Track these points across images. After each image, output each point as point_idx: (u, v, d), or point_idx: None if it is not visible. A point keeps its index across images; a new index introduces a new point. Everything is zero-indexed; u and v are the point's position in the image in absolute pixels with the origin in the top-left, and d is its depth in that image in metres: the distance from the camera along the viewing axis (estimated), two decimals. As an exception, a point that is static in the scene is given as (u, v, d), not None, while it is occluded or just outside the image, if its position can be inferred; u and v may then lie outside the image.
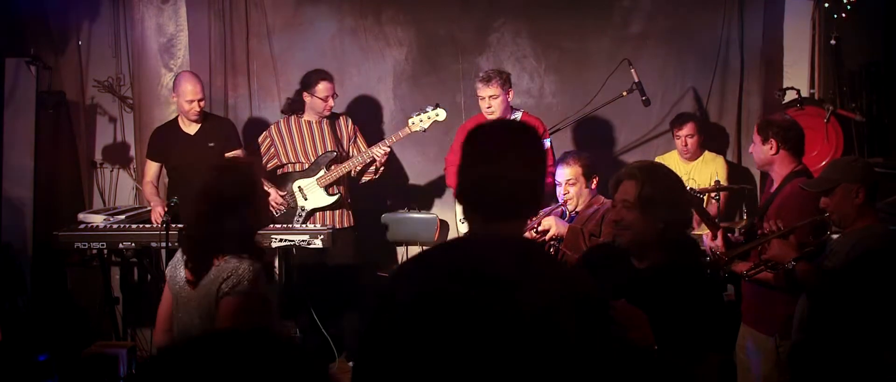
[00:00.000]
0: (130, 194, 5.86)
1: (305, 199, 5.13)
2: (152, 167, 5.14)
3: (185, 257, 2.86)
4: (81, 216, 5.00)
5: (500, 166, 1.76)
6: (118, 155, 5.88)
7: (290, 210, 5.14)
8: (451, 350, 1.66)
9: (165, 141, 5.11)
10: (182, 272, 2.88)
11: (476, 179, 1.78)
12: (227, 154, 5.00)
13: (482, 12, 5.82)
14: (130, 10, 5.74)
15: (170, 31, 5.79)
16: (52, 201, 5.55)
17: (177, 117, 5.15)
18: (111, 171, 5.88)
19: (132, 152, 5.88)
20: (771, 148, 3.67)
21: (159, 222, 4.70)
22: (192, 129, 5.08)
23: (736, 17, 5.69)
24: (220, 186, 2.79)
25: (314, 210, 5.14)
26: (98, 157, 5.87)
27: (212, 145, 5.03)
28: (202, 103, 5.00)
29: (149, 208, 5.43)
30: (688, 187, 5.05)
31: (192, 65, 5.72)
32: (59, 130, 5.70)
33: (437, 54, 5.86)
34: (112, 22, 5.75)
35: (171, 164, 5.09)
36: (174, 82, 5.12)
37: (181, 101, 4.99)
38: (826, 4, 5.39)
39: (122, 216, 5.02)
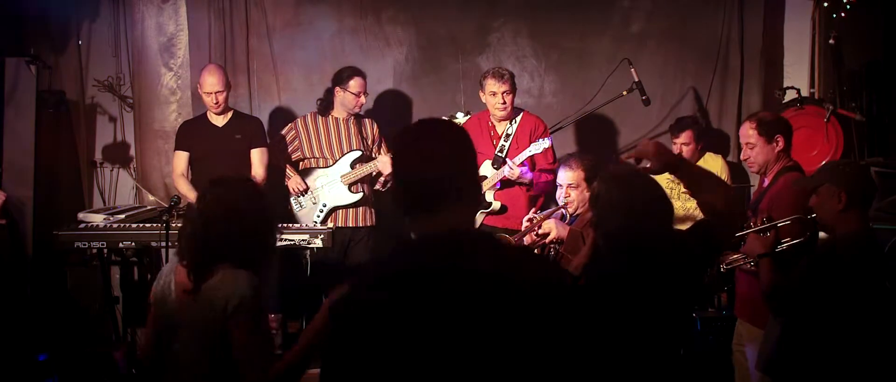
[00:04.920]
0: (130, 194, 5.87)
1: (327, 195, 5.13)
2: (182, 157, 5.08)
3: (183, 260, 2.69)
4: (81, 216, 4.99)
5: (427, 157, 1.85)
6: (118, 155, 5.89)
7: (311, 206, 5.14)
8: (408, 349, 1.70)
9: (192, 131, 5.11)
10: (173, 286, 2.72)
11: (410, 175, 1.87)
12: (253, 150, 5.02)
13: (482, 12, 5.82)
14: (130, 9, 5.74)
15: (170, 30, 5.79)
16: (52, 201, 5.55)
17: (206, 112, 5.15)
18: (111, 170, 5.88)
19: (132, 152, 5.89)
20: (777, 145, 3.68)
21: None
22: (219, 121, 5.09)
23: (736, 17, 5.69)
24: (239, 196, 2.71)
25: (335, 208, 5.12)
26: (98, 156, 5.88)
27: (238, 136, 5.03)
28: (222, 96, 4.99)
29: (149, 208, 5.44)
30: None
31: (192, 64, 5.73)
32: (59, 130, 5.70)
33: (437, 54, 5.86)
34: (112, 22, 5.76)
35: (196, 154, 5.06)
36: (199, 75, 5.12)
37: (201, 92, 5.02)
38: (826, 4, 5.39)
39: (122, 216, 5.01)
